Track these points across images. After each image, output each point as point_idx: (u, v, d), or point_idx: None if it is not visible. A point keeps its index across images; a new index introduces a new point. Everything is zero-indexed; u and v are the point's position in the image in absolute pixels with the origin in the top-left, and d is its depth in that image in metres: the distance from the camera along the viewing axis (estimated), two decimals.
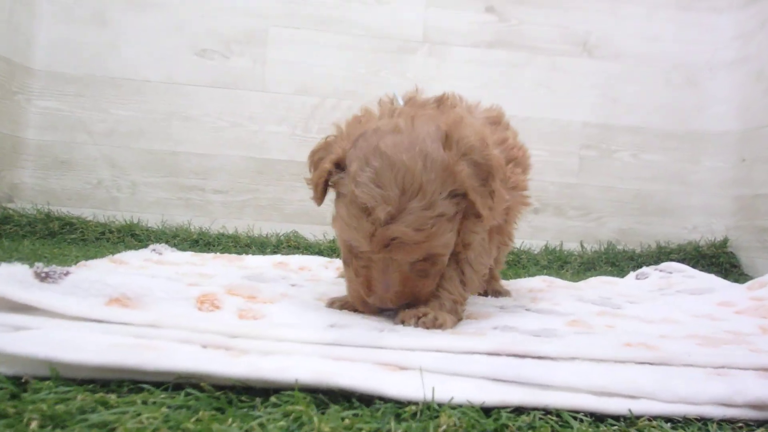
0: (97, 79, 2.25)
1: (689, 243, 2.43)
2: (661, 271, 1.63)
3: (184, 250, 2.07)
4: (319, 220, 2.32)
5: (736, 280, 2.24)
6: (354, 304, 0.94)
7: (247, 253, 2.10)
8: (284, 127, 2.33)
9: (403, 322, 0.86)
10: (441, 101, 1.03)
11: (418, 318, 0.86)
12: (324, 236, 2.30)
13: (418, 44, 2.38)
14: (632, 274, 1.68)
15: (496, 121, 1.18)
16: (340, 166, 0.90)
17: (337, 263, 1.55)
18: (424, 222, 0.81)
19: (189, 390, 0.58)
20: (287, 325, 0.80)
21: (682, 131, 2.48)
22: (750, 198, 2.33)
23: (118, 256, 1.38)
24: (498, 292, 1.30)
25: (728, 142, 2.45)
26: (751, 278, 2.30)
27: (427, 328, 0.84)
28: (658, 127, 2.47)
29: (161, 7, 2.25)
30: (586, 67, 2.45)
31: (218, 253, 1.61)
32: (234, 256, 1.56)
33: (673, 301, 1.27)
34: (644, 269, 1.67)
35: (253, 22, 2.29)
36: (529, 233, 2.36)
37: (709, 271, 2.34)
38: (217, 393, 0.59)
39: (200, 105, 2.28)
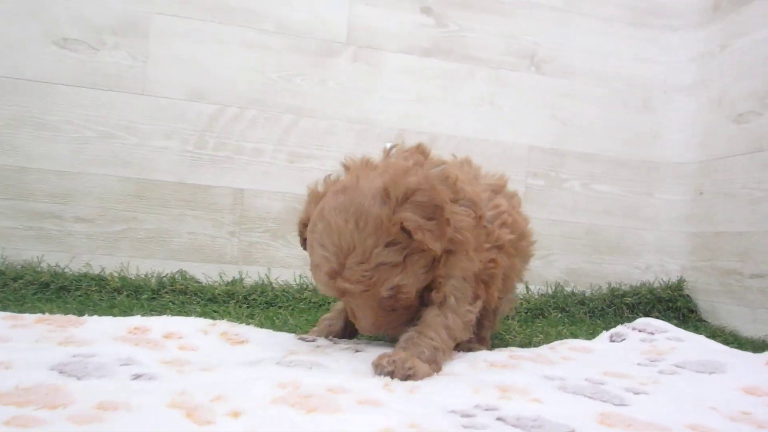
0: None
1: (643, 285, 2.17)
2: (640, 331, 1.31)
3: (28, 294, 1.57)
4: (215, 257, 1.86)
5: (696, 328, 1.99)
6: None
7: (115, 300, 1.62)
8: (173, 141, 1.86)
9: (376, 368, 0.89)
10: (410, 155, 1.08)
11: (391, 364, 0.88)
12: (221, 277, 1.85)
13: (341, 46, 1.99)
14: (605, 336, 1.35)
15: (498, 189, 1.22)
16: (306, 225, 1.04)
17: (225, 327, 1.12)
18: (362, 275, 0.92)
19: None
20: None
21: (636, 160, 2.23)
22: (709, 236, 2.09)
23: None
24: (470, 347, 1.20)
25: (685, 174, 2.22)
26: (711, 325, 2.07)
27: (398, 377, 0.86)
28: (610, 154, 2.20)
29: None
30: (534, 84, 2.15)
31: (46, 314, 1.13)
32: (68, 318, 1.09)
33: (684, 387, 0.94)
34: (619, 329, 1.35)
35: (131, 8, 1.82)
36: None
37: (668, 318, 2.08)
38: None
39: (60, 109, 1.78)
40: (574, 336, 1.68)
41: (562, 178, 2.16)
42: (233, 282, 1.85)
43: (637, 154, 2.22)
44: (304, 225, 1.05)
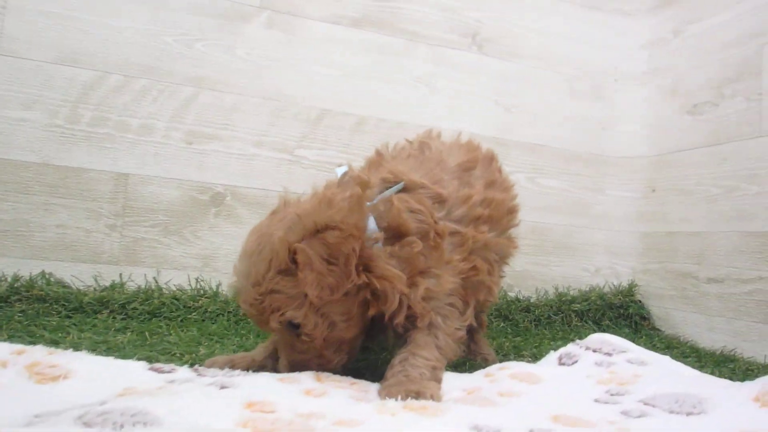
0: None
1: (593, 290, 1.96)
2: (594, 351, 1.07)
3: None
4: (89, 256, 1.52)
5: (649, 337, 1.79)
6: None
7: None
8: (35, 112, 1.50)
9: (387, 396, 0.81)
10: (357, 181, 0.97)
11: (407, 395, 0.80)
12: (96, 280, 1.50)
13: (254, 10, 1.68)
14: (553, 357, 1.11)
15: (470, 166, 1.10)
16: None
17: (38, 355, 0.79)
18: (255, 298, 0.88)
19: None
20: None
21: (585, 153, 2.03)
22: (662, 236, 1.91)
23: None
24: (485, 359, 1.25)
25: (636, 169, 2.04)
26: (664, 333, 1.88)
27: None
28: (559, 145, 2.00)
29: None
30: (476, 65, 1.91)
31: None
32: None
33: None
34: (569, 348, 1.11)
35: None
36: None
37: (619, 327, 1.88)
38: None
39: None
40: (518, 350, 1.44)
41: (505, 170, 1.92)
42: (112, 287, 1.51)
43: (586, 146, 2.03)
44: None
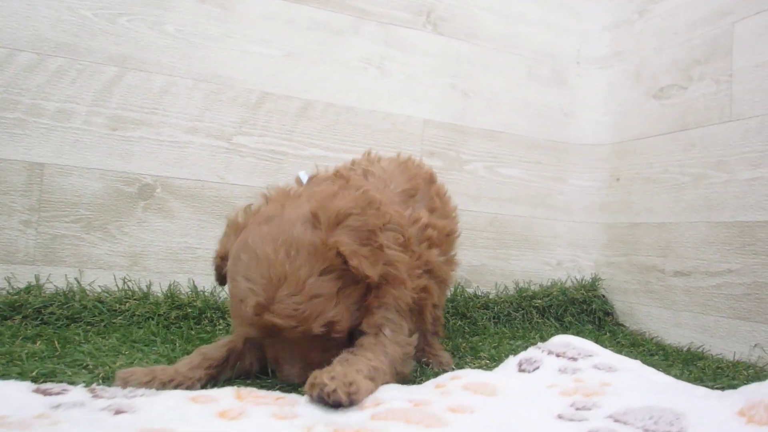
0: None
1: (554, 284, 1.88)
2: (558, 356, 0.97)
3: None
4: (3, 256, 1.36)
5: (613, 333, 1.71)
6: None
7: None
8: None
9: (313, 388, 0.75)
10: (334, 179, 1.01)
11: (332, 380, 0.75)
12: (9, 282, 1.35)
13: None
14: (512, 363, 1.00)
15: (412, 193, 1.10)
16: (224, 259, 0.93)
17: None
18: (295, 308, 0.82)
19: None
20: None
21: (546, 140, 1.93)
22: (626, 227, 1.83)
23: None
24: (439, 362, 1.16)
25: (599, 157, 1.95)
26: (628, 329, 1.81)
27: (340, 396, 0.73)
28: (518, 132, 1.90)
29: None
30: (431, 46, 1.79)
31: None
32: None
33: None
34: (530, 353, 1.00)
35: None
36: None
37: (582, 323, 1.79)
38: None
39: None
40: (476, 351, 1.34)
41: (463, 159, 1.82)
42: (27, 289, 1.35)
43: (546, 133, 1.93)
44: (222, 258, 0.94)
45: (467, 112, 1.83)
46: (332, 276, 0.85)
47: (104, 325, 1.31)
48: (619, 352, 1.17)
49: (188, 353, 1.06)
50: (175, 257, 1.49)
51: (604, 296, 1.86)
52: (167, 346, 1.17)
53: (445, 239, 1.14)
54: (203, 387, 0.88)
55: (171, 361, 1.02)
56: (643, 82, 1.81)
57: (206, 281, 1.50)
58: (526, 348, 1.08)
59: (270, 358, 0.92)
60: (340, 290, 0.87)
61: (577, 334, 1.66)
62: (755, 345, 1.43)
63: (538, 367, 0.95)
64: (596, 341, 1.49)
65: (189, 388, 0.86)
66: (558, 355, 0.97)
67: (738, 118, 1.51)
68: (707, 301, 1.55)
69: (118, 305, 1.37)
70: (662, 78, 1.74)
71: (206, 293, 1.47)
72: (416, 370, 1.14)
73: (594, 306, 1.82)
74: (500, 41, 1.87)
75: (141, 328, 1.31)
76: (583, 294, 1.84)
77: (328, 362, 0.83)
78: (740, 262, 1.48)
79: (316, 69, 1.65)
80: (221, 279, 0.96)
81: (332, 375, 0.75)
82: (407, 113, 1.75)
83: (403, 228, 0.97)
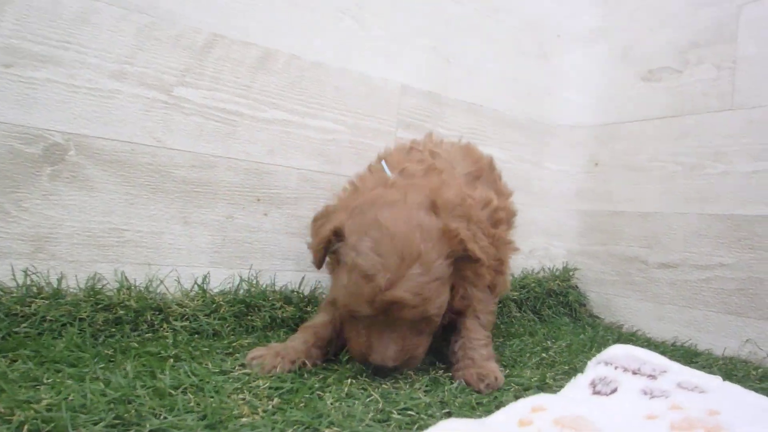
0: None
1: (528, 275, 1.73)
2: (633, 373, 0.79)
3: None
4: None
5: (591, 326, 1.60)
6: (358, 361, 0.96)
7: None
8: None
9: (486, 385, 0.90)
10: (428, 170, 1.05)
11: (489, 377, 0.92)
12: None
13: None
14: (582, 380, 0.81)
15: (478, 175, 1.15)
16: (338, 235, 0.94)
17: None
18: (422, 287, 0.87)
19: None
20: None
21: (525, 119, 1.77)
22: (605, 216, 1.73)
23: None
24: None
25: (578, 140, 1.82)
26: (604, 321, 1.70)
27: (492, 388, 0.91)
28: (498, 108, 1.71)
29: None
30: (410, 2, 1.54)
31: None
32: None
33: None
34: (603, 371, 0.81)
35: None
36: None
37: (558, 314, 1.66)
38: None
39: None
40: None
41: (440, 133, 1.60)
42: None
43: (527, 111, 1.77)
44: (336, 234, 0.94)
45: (449, 80, 1.61)
46: (450, 261, 0.91)
47: (2, 338, 0.95)
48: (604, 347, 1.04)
49: (139, 375, 0.78)
50: (96, 242, 1.13)
51: (577, 287, 1.75)
52: (106, 365, 0.85)
53: (511, 221, 1.22)
54: (314, 366, 0.95)
55: (126, 396, 0.72)
56: (631, 63, 1.69)
57: (139, 272, 1.16)
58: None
59: (358, 340, 0.93)
60: (449, 277, 0.93)
61: (558, 328, 1.53)
62: (747, 340, 1.37)
63: (615, 389, 0.77)
64: (575, 336, 1.36)
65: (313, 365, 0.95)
66: (634, 373, 0.80)
67: (740, 107, 1.43)
68: (695, 295, 1.48)
69: (19, 307, 1.00)
70: (654, 59, 1.63)
71: (141, 288, 1.14)
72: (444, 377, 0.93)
73: (570, 298, 1.70)
74: (485, 3, 1.66)
75: (57, 338, 0.97)
76: (558, 284, 1.71)
77: (418, 347, 0.92)
78: (734, 257, 1.41)
79: (280, 13, 1.34)
80: (322, 260, 0.96)
81: (486, 373, 0.92)
82: (387, 76, 1.49)
83: (479, 214, 1.02)
